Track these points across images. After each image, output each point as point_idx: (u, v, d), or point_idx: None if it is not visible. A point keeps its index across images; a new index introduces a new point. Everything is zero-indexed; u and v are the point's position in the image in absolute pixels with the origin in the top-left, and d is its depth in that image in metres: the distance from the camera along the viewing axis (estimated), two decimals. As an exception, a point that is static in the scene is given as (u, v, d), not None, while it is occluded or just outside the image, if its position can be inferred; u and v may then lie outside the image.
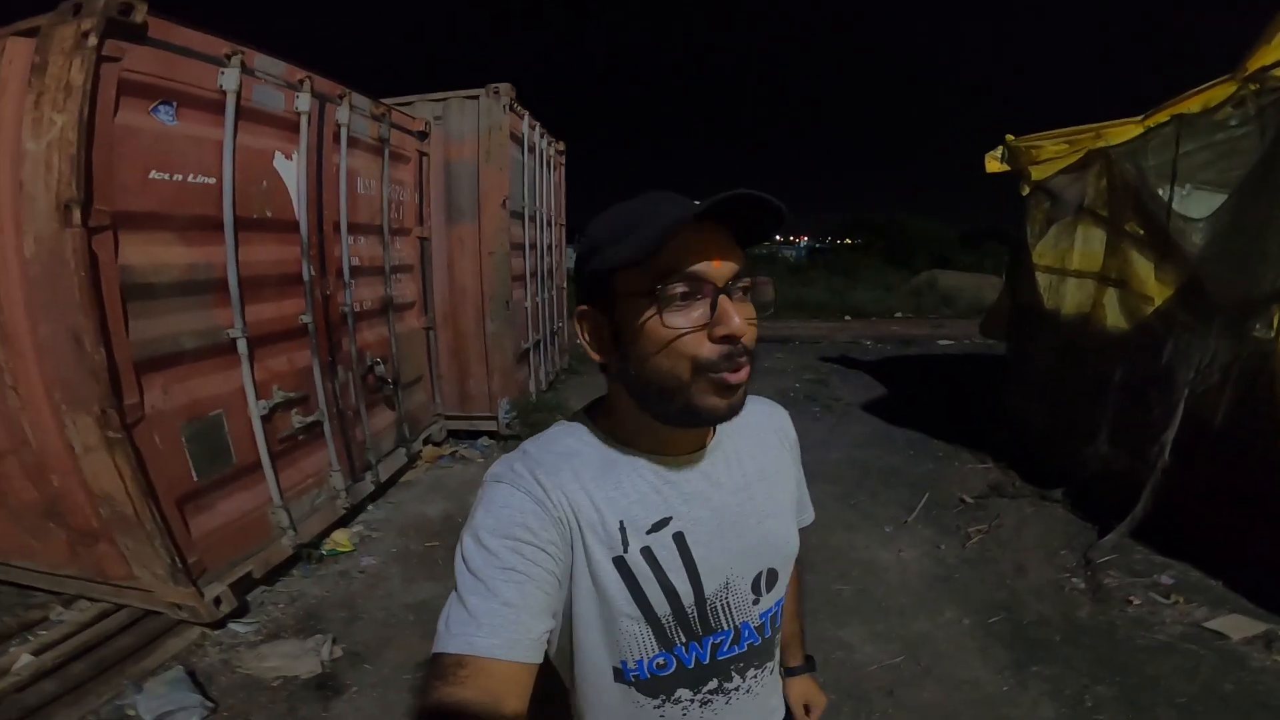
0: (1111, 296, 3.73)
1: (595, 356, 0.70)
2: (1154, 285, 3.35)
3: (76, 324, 2.09)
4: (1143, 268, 3.45)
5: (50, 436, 2.29)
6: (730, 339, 0.61)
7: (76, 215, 2.02)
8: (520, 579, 0.59)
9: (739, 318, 0.61)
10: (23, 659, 2.28)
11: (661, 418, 0.66)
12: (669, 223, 0.60)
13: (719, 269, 0.62)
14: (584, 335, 0.70)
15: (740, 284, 0.64)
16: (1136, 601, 2.73)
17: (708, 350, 0.62)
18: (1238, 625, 2.51)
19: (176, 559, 2.38)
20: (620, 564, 0.66)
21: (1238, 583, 2.77)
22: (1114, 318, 3.71)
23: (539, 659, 0.60)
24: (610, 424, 0.73)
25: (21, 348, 2.21)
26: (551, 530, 0.64)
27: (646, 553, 0.67)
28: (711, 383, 0.62)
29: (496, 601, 0.58)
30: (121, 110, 2.19)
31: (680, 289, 0.61)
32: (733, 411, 0.65)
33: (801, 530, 0.88)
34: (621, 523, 0.67)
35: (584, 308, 0.70)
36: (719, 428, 0.76)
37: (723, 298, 0.62)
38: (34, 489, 2.45)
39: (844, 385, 7.04)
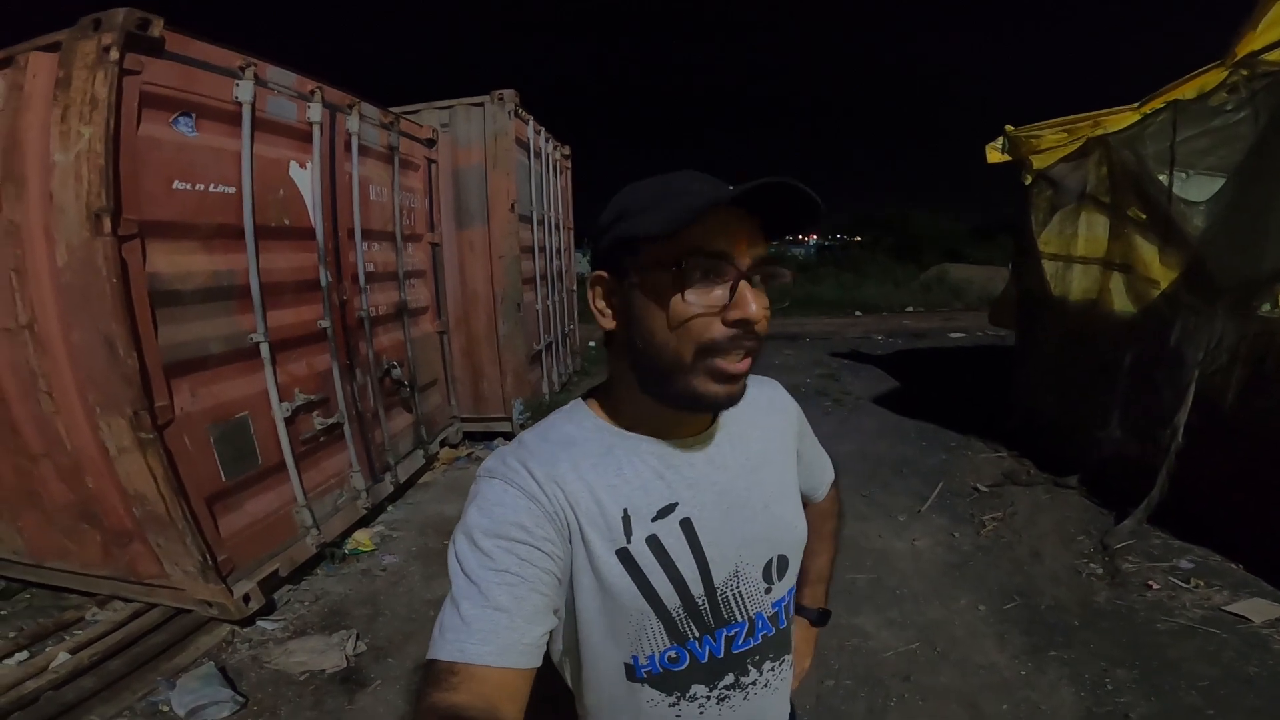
0: (1117, 281, 3.73)
1: (605, 324, 0.68)
2: (1158, 269, 3.35)
3: (109, 329, 2.15)
4: (1147, 252, 3.45)
5: (84, 439, 2.37)
6: (744, 323, 0.60)
7: (107, 224, 2.09)
8: (515, 581, 0.58)
9: (755, 304, 0.60)
10: (60, 657, 2.35)
11: (660, 398, 0.65)
12: (703, 201, 0.58)
13: (745, 253, 0.61)
14: (596, 301, 0.68)
15: (763, 272, 0.63)
16: (1155, 586, 2.73)
17: (718, 332, 0.60)
18: (1259, 609, 2.49)
19: (207, 556, 2.44)
20: (624, 556, 0.64)
21: (1258, 565, 2.75)
22: (1121, 302, 3.70)
23: (535, 663, 0.58)
24: (612, 406, 0.71)
25: (55, 353, 2.29)
26: (547, 527, 0.62)
27: (652, 541, 0.66)
28: (713, 369, 0.61)
29: (490, 607, 0.56)
30: (144, 122, 2.25)
31: (705, 267, 0.60)
32: (731, 400, 0.64)
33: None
34: (625, 511, 0.65)
35: (600, 273, 0.67)
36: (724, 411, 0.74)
37: (743, 283, 0.60)
38: (69, 491, 2.53)
39: (855, 379, 7.04)
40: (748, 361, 0.63)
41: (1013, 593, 2.78)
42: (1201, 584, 2.71)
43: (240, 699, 2.22)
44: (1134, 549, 3.03)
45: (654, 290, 0.62)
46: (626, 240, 0.63)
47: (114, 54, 2.11)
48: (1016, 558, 3.08)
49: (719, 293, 0.60)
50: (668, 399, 0.65)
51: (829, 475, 0.97)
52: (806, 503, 0.89)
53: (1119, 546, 3.03)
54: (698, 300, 0.60)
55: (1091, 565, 2.95)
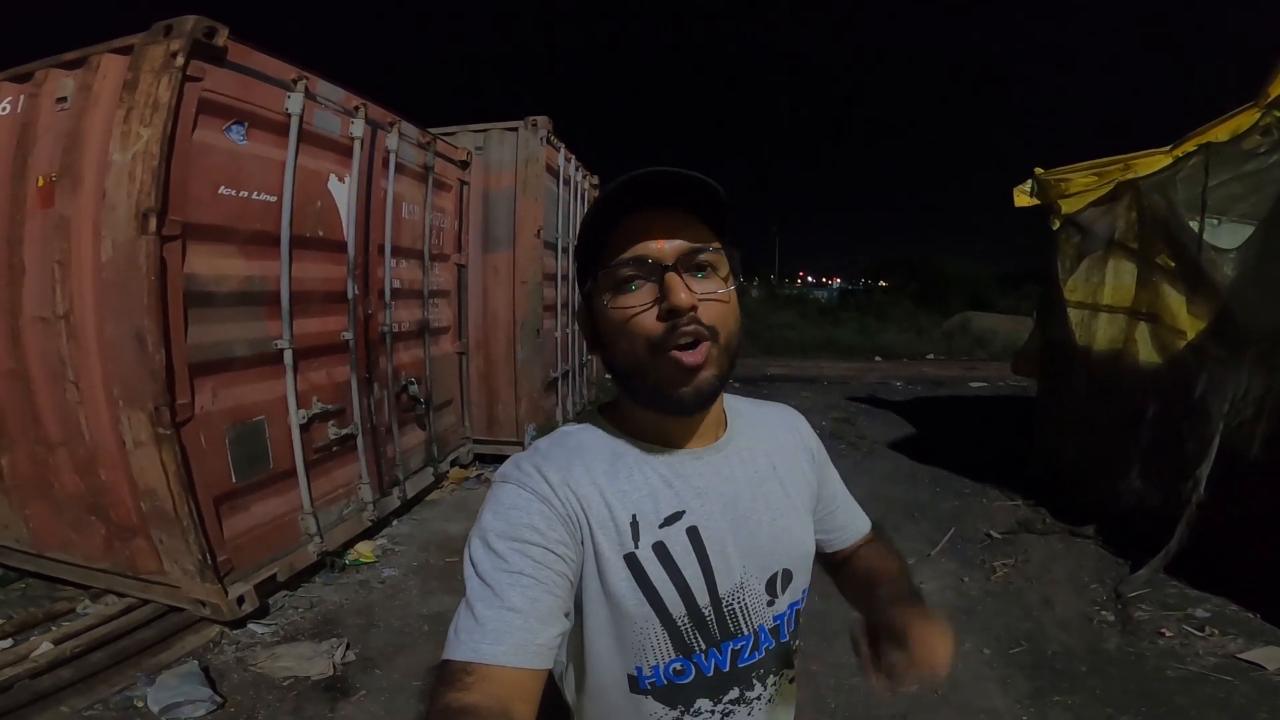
0: (1143, 331, 3.65)
1: (592, 349, 0.72)
2: (1186, 318, 3.28)
3: (142, 325, 2.24)
4: (1174, 301, 3.39)
5: (103, 431, 2.43)
6: (675, 312, 0.61)
7: (153, 223, 2.19)
8: (528, 583, 0.58)
9: (685, 292, 0.61)
10: (42, 646, 2.36)
11: (641, 402, 0.68)
12: (593, 219, 0.65)
13: (664, 248, 0.63)
14: (581, 328, 0.74)
15: (699, 259, 0.64)
16: (1168, 634, 2.63)
17: (656, 327, 0.63)
18: (1274, 656, 2.41)
19: (207, 556, 2.46)
20: (631, 561, 0.65)
21: (1275, 615, 2.65)
22: (1146, 352, 3.62)
23: (548, 664, 0.58)
24: (621, 417, 0.73)
25: (87, 345, 2.37)
26: (560, 529, 0.63)
27: (659, 548, 0.66)
28: (669, 363, 0.63)
29: (503, 608, 0.57)
30: (199, 128, 2.38)
31: (627, 271, 0.64)
32: (698, 395, 0.65)
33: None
34: (634, 517, 0.66)
35: (580, 304, 0.74)
36: (731, 424, 0.76)
37: (670, 274, 0.62)
38: (80, 482, 2.58)
39: (871, 424, 6.95)
40: (702, 350, 0.63)
41: (1020, 638, 2.68)
42: (1216, 632, 2.61)
43: (218, 699, 2.20)
44: (1148, 597, 2.93)
45: (604, 303, 0.66)
46: (581, 268, 0.71)
47: (179, 60, 2.24)
48: (1026, 604, 2.98)
49: (649, 290, 0.64)
50: (646, 401, 0.68)
51: (860, 523, 0.89)
52: (833, 549, 0.87)
53: (1133, 595, 2.93)
54: (630, 301, 0.64)
55: (1103, 613, 2.85)
